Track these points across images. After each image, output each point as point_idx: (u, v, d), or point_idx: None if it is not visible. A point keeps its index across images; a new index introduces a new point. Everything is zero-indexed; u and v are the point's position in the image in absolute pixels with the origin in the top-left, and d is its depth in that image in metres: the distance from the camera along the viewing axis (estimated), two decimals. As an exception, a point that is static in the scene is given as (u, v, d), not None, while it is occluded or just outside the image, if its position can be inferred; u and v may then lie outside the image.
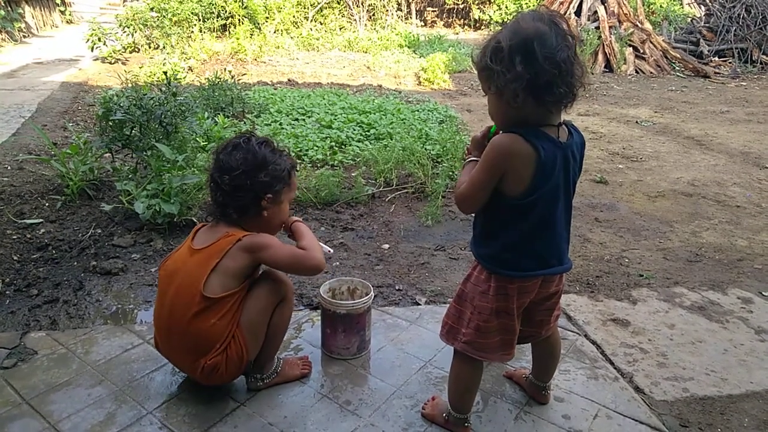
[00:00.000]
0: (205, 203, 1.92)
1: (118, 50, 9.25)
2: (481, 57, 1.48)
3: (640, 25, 10.52)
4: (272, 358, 1.99)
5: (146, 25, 9.75)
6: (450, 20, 16.76)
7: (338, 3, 13.25)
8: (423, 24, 15.97)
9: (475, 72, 1.55)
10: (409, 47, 11.22)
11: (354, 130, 5.16)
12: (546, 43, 1.38)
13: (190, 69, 8.30)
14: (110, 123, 3.60)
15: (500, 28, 1.48)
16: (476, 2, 16.05)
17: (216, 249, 1.79)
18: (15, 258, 2.88)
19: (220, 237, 1.81)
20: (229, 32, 11.11)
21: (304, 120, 5.46)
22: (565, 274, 1.73)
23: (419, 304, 2.63)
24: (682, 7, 13.69)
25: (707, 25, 11.48)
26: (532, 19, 1.42)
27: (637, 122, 6.67)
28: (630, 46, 10.35)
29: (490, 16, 15.26)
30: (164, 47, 9.39)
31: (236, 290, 1.80)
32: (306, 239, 1.90)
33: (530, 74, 1.39)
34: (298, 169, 2.04)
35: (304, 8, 12.46)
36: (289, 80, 8.17)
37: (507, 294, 1.63)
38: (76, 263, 2.87)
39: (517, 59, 1.39)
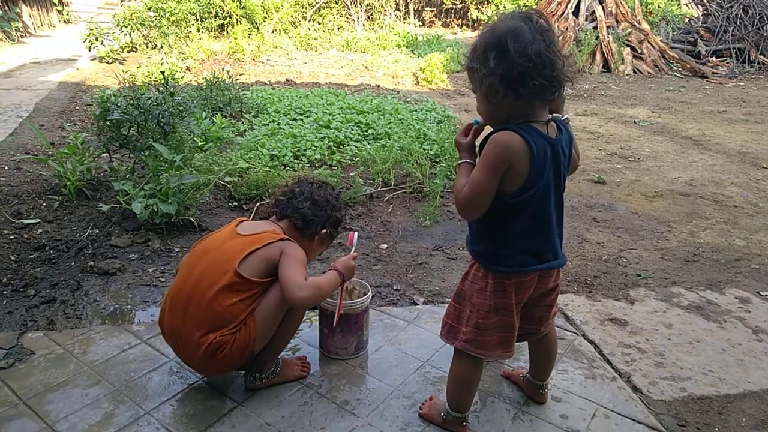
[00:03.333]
0: (275, 202, 2.14)
1: (116, 50, 9.24)
2: (466, 58, 1.54)
3: (637, 25, 10.53)
4: (273, 358, 2.00)
5: (144, 24, 9.74)
6: (448, 20, 16.77)
7: (336, 3, 13.25)
8: (421, 24, 15.99)
9: None
10: (407, 47, 11.23)
11: (352, 130, 5.16)
12: (519, 38, 1.42)
13: (188, 69, 8.29)
14: (108, 123, 3.59)
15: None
16: (474, 2, 16.06)
17: (260, 238, 1.90)
18: (12, 258, 2.87)
19: (267, 231, 1.95)
20: (227, 32, 11.10)
21: (302, 120, 5.45)
22: (563, 274, 1.74)
23: (417, 304, 2.63)
24: (680, 7, 13.73)
25: (705, 25, 11.50)
26: (507, 18, 1.48)
27: (634, 122, 6.68)
28: (628, 46, 10.37)
29: (488, 16, 15.27)
30: (162, 47, 9.38)
31: (263, 280, 1.86)
32: (321, 280, 1.90)
33: (503, 69, 1.43)
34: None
35: (302, 8, 12.45)
36: (287, 80, 8.16)
37: (505, 290, 1.64)
38: (73, 263, 2.87)
39: (491, 55, 1.44)
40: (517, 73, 1.42)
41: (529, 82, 1.43)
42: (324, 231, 2.08)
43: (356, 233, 2.13)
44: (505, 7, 14.65)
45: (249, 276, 1.83)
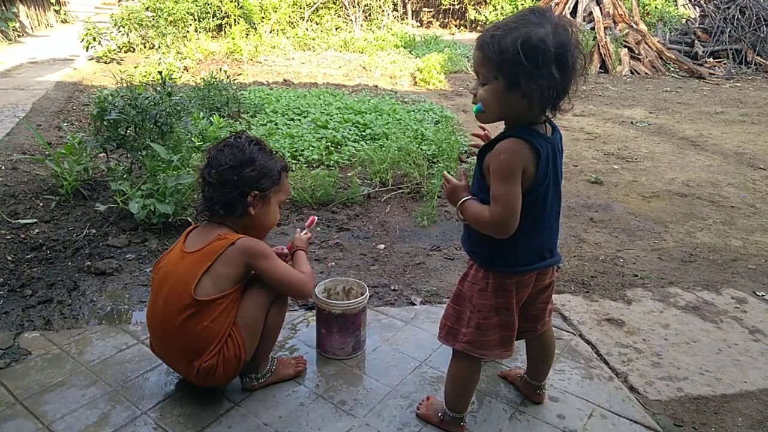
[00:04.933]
0: (198, 203, 1.96)
1: (113, 50, 9.23)
2: (507, 45, 1.39)
3: (635, 26, 10.56)
4: (267, 357, 1.99)
5: (141, 24, 9.73)
6: (446, 21, 16.80)
7: (334, 3, 13.26)
8: (419, 24, 16.00)
9: (472, 70, 1.55)
10: (405, 48, 11.24)
11: (350, 130, 5.16)
12: (574, 54, 1.43)
13: (186, 69, 8.29)
14: (105, 123, 3.59)
15: (526, 17, 1.42)
16: (472, 3, 16.09)
17: (208, 252, 1.77)
18: (9, 258, 2.86)
19: (213, 239, 1.79)
20: (225, 32, 11.11)
21: (299, 120, 5.45)
22: (560, 274, 1.74)
23: (415, 305, 2.63)
24: (677, 9, 13.76)
25: (702, 26, 11.53)
26: (567, 25, 1.44)
27: (632, 123, 6.70)
28: (625, 46, 10.39)
29: (485, 17, 15.30)
30: (159, 47, 9.37)
31: (229, 291, 1.79)
32: (306, 266, 1.97)
33: (563, 82, 1.43)
34: (292, 169, 2.09)
35: (300, 8, 12.46)
36: (284, 80, 8.16)
37: (506, 289, 1.64)
38: (70, 263, 2.86)
39: (554, 65, 1.39)
40: (561, 88, 1.44)
41: (563, 96, 1.47)
42: (251, 197, 1.81)
43: (316, 218, 2.16)
44: (503, 8, 14.67)
45: (211, 296, 1.74)
